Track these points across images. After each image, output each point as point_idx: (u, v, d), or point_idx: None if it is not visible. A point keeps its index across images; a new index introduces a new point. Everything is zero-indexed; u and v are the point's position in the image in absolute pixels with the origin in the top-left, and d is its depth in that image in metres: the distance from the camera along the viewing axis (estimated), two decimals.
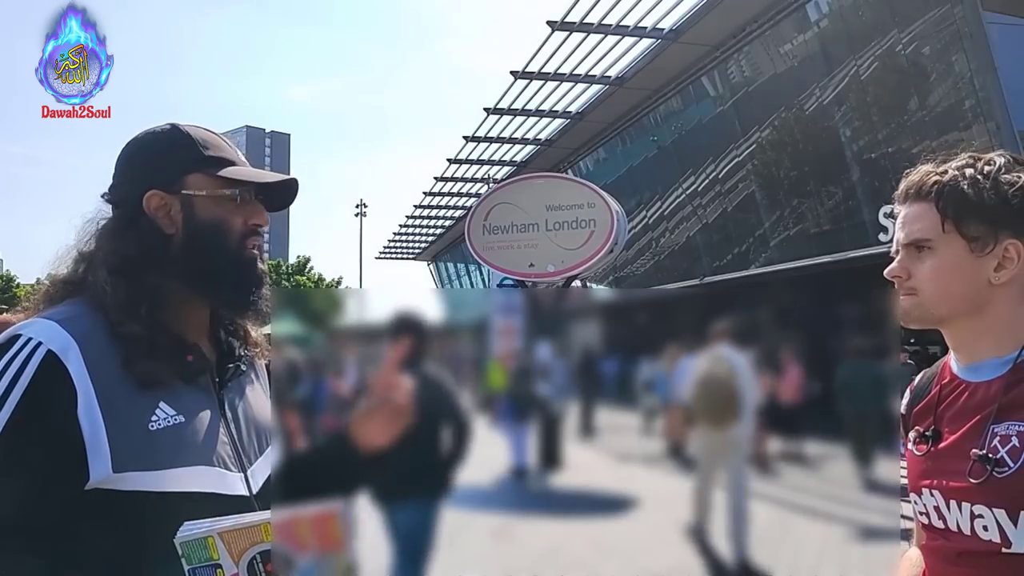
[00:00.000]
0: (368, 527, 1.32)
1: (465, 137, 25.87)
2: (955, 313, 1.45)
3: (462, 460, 1.40)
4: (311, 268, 58.73)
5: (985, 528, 1.35)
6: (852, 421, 1.39)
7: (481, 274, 36.84)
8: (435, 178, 31.10)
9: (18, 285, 50.68)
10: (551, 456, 1.45)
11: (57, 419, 1.27)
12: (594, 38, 18.97)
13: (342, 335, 1.44)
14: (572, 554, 1.42)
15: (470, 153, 27.37)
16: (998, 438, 1.36)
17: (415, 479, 1.40)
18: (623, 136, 25.87)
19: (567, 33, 18.58)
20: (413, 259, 51.42)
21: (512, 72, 20.76)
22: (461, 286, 44.96)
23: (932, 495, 1.44)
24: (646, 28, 18.83)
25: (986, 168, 1.44)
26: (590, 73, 21.08)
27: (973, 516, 1.37)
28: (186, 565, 1.19)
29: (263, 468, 1.49)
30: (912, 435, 1.53)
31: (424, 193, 33.87)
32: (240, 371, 1.55)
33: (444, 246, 44.41)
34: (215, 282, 1.47)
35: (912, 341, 11.28)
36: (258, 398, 1.59)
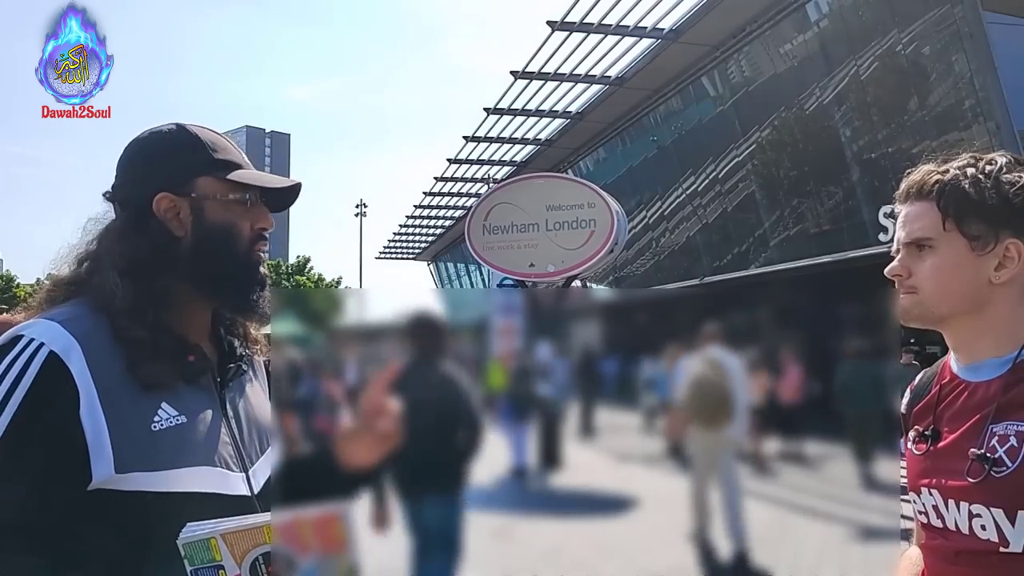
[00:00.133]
0: (366, 529, 1.32)
1: (465, 137, 25.87)
2: (955, 312, 1.46)
3: (477, 455, 1.41)
4: (311, 268, 58.75)
5: (983, 527, 1.35)
6: (852, 421, 1.39)
7: (481, 274, 36.85)
8: (435, 178, 31.10)
9: (18, 285, 50.67)
10: (551, 456, 1.45)
11: (59, 420, 1.27)
12: (594, 38, 18.96)
13: (342, 335, 1.44)
14: (572, 554, 1.42)
15: (470, 153, 27.37)
16: (996, 438, 1.36)
17: (438, 473, 1.40)
18: (623, 136, 25.87)
19: (567, 33, 18.58)
20: (413, 259, 51.43)
21: (512, 72, 20.76)
22: (461, 286, 44.96)
23: (931, 494, 1.45)
24: (646, 28, 18.82)
25: (987, 168, 1.45)
26: (590, 73, 21.07)
27: (971, 515, 1.37)
28: (188, 566, 1.20)
29: (264, 468, 1.49)
30: (912, 434, 1.53)
31: (424, 193, 33.88)
32: (241, 371, 1.55)
33: (444, 246, 44.40)
34: (222, 285, 1.47)
35: (912, 341, 11.27)
36: (258, 397, 1.59)
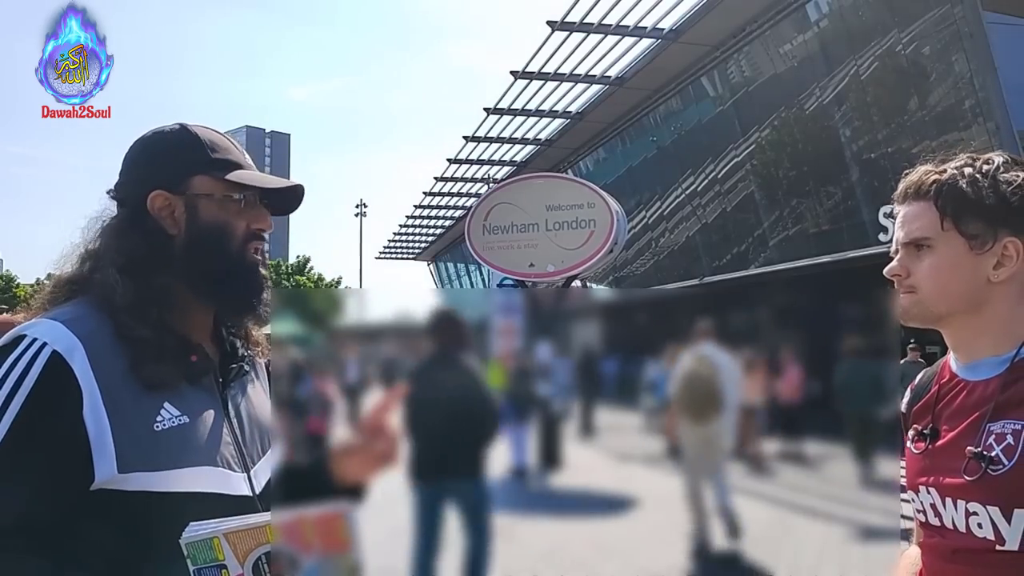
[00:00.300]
0: (369, 529, 1.32)
1: (465, 137, 25.86)
2: (954, 311, 1.46)
3: (494, 442, 1.44)
4: (311, 268, 58.74)
5: (979, 525, 1.36)
6: (852, 421, 1.40)
7: (481, 274, 36.83)
8: (435, 178, 31.08)
9: (18, 285, 50.65)
10: (551, 456, 1.46)
11: (62, 420, 1.27)
12: (594, 38, 18.95)
13: (342, 335, 1.45)
14: (572, 554, 1.42)
15: (470, 153, 27.35)
16: (993, 436, 1.37)
17: (469, 459, 1.44)
18: (623, 136, 25.85)
19: (567, 33, 18.57)
20: (413, 259, 51.41)
21: (512, 72, 20.75)
22: (461, 286, 44.94)
23: (929, 492, 1.45)
24: (646, 28, 18.82)
25: (985, 167, 1.45)
26: (590, 73, 21.06)
27: (968, 513, 1.37)
28: (191, 566, 1.20)
29: (265, 468, 1.49)
30: (911, 433, 1.53)
31: (424, 193, 33.86)
32: (243, 371, 1.55)
33: (444, 246, 44.39)
34: (216, 285, 1.47)
35: (912, 341, 11.27)
36: (259, 397, 1.59)
